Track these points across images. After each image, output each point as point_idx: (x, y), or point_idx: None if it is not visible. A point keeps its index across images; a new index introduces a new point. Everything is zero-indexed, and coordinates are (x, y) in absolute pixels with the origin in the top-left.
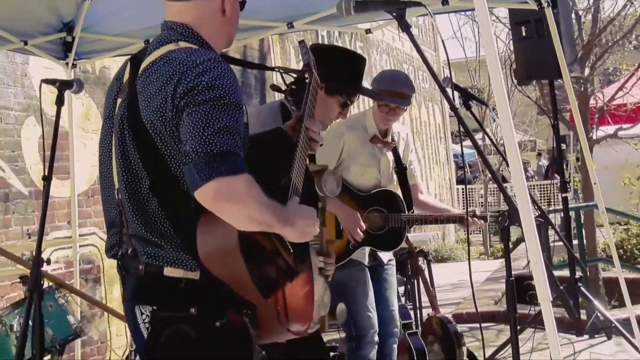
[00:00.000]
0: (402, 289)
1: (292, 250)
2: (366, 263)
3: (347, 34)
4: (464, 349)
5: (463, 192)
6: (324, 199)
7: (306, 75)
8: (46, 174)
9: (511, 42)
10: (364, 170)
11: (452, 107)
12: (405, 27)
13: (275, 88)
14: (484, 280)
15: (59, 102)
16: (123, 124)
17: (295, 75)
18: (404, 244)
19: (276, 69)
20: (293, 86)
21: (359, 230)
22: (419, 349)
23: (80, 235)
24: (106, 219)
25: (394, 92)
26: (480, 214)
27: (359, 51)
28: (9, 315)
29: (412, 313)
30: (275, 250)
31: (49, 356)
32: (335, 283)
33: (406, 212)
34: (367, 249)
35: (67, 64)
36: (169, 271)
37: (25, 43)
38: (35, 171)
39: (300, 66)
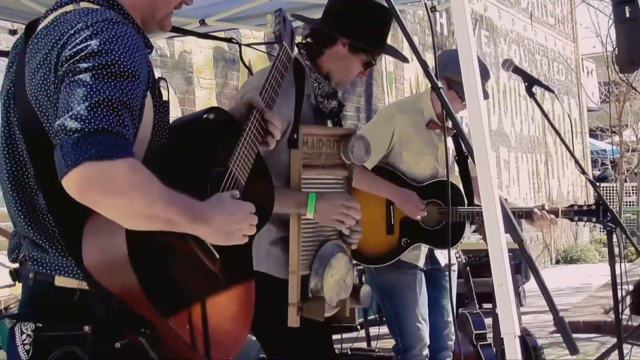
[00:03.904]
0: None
1: (217, 256)
2: (422, 265)
3: None
4: None
5: (603, 190)
6: (350, 167)
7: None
8: None
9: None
10: (418, 157)
11: (434, 87)
12: None
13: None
14: (601, 285)
15: None
16: (9, 100)
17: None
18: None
19: (233, 41)
20: (308, 39)
21: (418, 209)
22: None
23: None
24: (10, 216)
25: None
26: (550, 208)
27: (484, 40)
28: None
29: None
30: (191, 255)
31: None
32: (382, 287)
33: (466, 205)
34: (424, 249)
35: None
36: (60, 281)
37: None
38: None
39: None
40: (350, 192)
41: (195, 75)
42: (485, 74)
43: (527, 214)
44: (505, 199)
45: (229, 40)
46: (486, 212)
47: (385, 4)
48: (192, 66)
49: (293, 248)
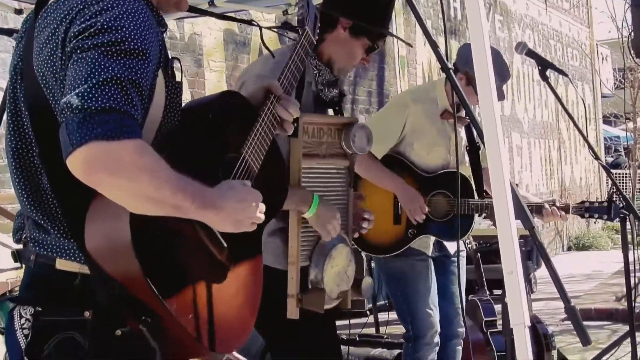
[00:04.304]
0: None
1: (225, 245)
2: (430, 253)
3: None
4: (554, 353)
5: (616, 176)
6: (352, 157)
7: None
8: None
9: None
10: (430, 149)
11: (444, 68)
12: None
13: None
14: (613, 273)
15: None
16: (16, 76)
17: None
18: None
19: (254, 23)
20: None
21: (420, 211)
22: (502, 350)
23: None
24: (16, 196)
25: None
26: (561, 204)
27: (497, 25)
28: None
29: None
30: (198, 242)
31: None
32: (392, 274)
33: (476, 197)
34: (432, 237)
35: None
36: (61, 264)
37: None
38: None
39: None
40: (351, 182)
41: (205, 58)
42: (505, 76)
43: (537, 209)
44: (517, 184)
45: (249, 22)
46: (496, 198)
47: None
48: (202, 48)
49: (292, 239)
